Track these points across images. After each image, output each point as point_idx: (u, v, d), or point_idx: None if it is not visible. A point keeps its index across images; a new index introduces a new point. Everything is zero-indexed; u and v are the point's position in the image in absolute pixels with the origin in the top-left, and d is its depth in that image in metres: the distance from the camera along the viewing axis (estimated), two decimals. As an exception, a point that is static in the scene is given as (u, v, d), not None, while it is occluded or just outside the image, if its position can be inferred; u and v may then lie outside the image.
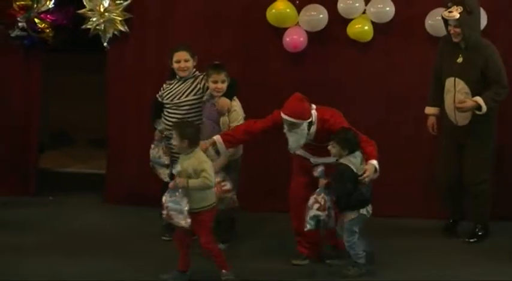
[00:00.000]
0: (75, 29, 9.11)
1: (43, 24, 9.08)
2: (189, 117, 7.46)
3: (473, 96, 7.36)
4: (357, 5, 8.24)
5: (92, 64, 10.52)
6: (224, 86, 7.42)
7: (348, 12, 8.29)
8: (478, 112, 7.22)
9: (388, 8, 8.21)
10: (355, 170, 6.91)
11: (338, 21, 8.37)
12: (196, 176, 6.63)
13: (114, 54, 8.88)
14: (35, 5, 9.05)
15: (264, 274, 6.90)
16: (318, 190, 7.02)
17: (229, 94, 7.41)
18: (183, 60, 7.64)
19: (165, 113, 7.55)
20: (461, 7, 7.40)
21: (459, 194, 7.66)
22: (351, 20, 8.32)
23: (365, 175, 6.84)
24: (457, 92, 7.30)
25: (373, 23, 8.30)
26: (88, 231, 7.87)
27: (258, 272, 6.93)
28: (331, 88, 8.44)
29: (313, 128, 7.07)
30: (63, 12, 9.22)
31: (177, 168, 6.72)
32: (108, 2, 8.67)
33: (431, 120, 7.80)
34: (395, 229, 7.97)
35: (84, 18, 8.81)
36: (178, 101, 7.65)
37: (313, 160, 7.05)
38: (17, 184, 9.10)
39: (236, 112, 7.50)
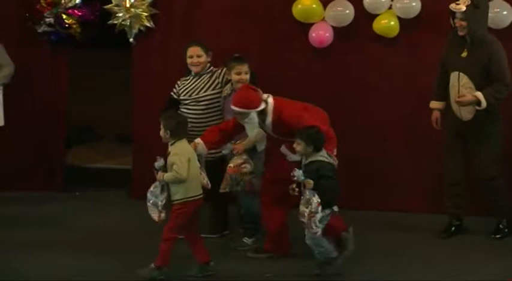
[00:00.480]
0: (101, 24, 9.26)
1: (70, 20, 9.19)
2: (208, 112, 7.59)
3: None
4: (383, 0, 8.31)
5: (118, 60, 10.69)
6: (247, 77, 7.54)
7: (374, 7, 8.34)
8: (478, 107, 7.31)
9: (414, 4, 8.27)
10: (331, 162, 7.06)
11: (364, 17, 8.43)
12: (170, 169, 6.81)
13: (139, 50, 9.02)
14: (62, 1, 9.19)
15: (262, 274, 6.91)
16: (308, 192, 6.95)
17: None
18: (195, 55, 7.78)
19: (184, 110, 7.67)
20: (469, 0, 7.42)
21: (463, 188, 7.67)
22: (377, 15, 8.37)
23: None
24: (461, 87, 7.36)
25: (399, 18, 8.34)
26: (111, 227, 7.99)
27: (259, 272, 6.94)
28: (357, 83, 8.56)
29: (269, 119, 7.13)
30: (90, 8, 9.32)
31: (159, 163, 6.87)
32: (132, -4, 9.08)
33: (436, 115, 7.85)
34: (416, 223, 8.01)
35: (111, 14, 8.95)
36: (196, 96, 7.77)
37: (289, 157, 7.09)
38: (43, 179, 9.27)
39: None
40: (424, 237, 7.75)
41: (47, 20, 9.10)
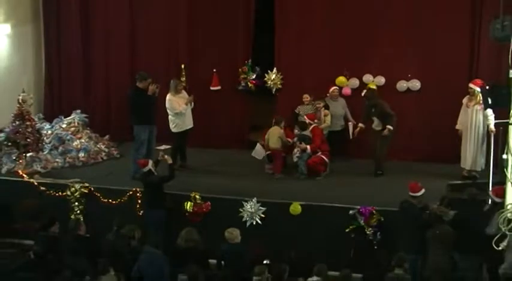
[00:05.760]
0: (263, 86, 15.80)
1: (250, 85, 16.24)
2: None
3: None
4: (370, 78, 15.68)
5: (268, 101, 16.38)
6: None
7: (367, 80, 15.87)
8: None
9: (382, 79, 15.81)
10: None
11: (363, 84, 15.78)
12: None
13: (281, 100, 16.16)
14: (248, 76, 16.08)
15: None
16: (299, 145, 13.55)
17: None
18: (304, 97, 15.19)
19: (299, 119, 14.71)
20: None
21: None
22: (367, 83, 15.73)
23: None
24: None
25: (377, 85, 15.68)
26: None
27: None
28: (359, 106, 15.25)
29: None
30: (259, 79, 16.09)
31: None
32: (274, 75, 16.00)
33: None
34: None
35: (266, 82, 15.91)
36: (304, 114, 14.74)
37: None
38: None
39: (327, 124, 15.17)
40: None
41: (242, 84, 16.14)
